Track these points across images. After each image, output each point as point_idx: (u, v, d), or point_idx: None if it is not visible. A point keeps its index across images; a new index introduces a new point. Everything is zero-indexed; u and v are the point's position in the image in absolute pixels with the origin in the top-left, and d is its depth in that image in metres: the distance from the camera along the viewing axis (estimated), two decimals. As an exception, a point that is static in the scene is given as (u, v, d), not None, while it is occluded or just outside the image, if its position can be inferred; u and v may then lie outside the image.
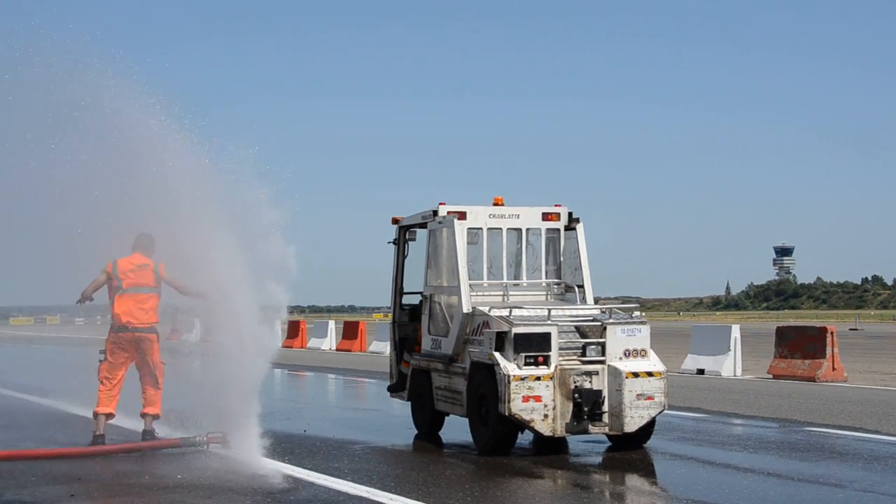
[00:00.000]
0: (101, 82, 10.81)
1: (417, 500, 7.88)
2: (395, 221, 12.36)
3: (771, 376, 19.86)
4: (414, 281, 12.27)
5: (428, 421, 11.65)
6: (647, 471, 9.60)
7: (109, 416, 10.75)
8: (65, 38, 10.79)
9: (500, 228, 11.41)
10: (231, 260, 10.20)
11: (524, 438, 10.87)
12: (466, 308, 10.60)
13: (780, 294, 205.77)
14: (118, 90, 10.74)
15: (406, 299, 12.58)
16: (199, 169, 10.68)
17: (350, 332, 33.59)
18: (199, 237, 10.39)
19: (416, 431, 11.85)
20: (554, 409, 9.91)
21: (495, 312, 10.33)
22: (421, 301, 11.84)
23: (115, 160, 11.13)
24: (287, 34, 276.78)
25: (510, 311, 10.30)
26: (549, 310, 10.44)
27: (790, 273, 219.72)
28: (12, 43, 11.00)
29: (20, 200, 11.93)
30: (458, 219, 11.05)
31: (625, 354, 10.26)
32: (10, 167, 11.52)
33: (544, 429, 9.90)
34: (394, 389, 12.51)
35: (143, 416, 10.83)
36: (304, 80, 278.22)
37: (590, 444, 10.91)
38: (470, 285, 10.83)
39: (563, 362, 10.09)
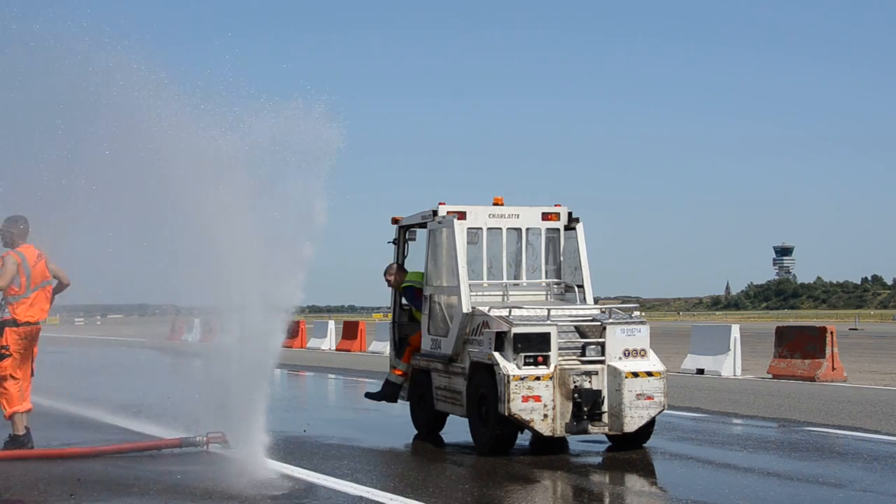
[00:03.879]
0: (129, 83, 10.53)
1: (417, 500, 7.88)
2: (394, 221, 12.35)
3: (771, 376, 19.88)
4: (414, 281, 12.25)
5: (429, 421, 11.65)
6: (647, 471, 9.60)
7: (28, 411, 10.39)
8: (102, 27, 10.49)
9: (500, 228, 11.41)
10: (245, 256, 10.00)
11: (524, 438, 10.87)
12: (466, 308, 10.60)
13: (779, 294, 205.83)
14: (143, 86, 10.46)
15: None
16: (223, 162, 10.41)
17: (350, 332, 33.60)
18: (226, 235, 10.14)
19: (416, 431, 11.85)
20: (553, 408, 9.91)
21: (495, 312, 10.33)
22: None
23: (142, 156, 10.78)
24: (287, 34, 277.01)
25: (510, 311, 10.30)
26: (549, 310, 10.43)
27: (790, 273, 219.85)
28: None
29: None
30: (458, 219, 11.04)
31: (624, 354, 10.26)
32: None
33: (544, 429, 9.90)
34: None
35: (24, 414, 10.30)
36: (303, 80, 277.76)
37: (589, 444, 10.91)
38: (469, 285, 10.83)
39: (563, 362, 10.08)
